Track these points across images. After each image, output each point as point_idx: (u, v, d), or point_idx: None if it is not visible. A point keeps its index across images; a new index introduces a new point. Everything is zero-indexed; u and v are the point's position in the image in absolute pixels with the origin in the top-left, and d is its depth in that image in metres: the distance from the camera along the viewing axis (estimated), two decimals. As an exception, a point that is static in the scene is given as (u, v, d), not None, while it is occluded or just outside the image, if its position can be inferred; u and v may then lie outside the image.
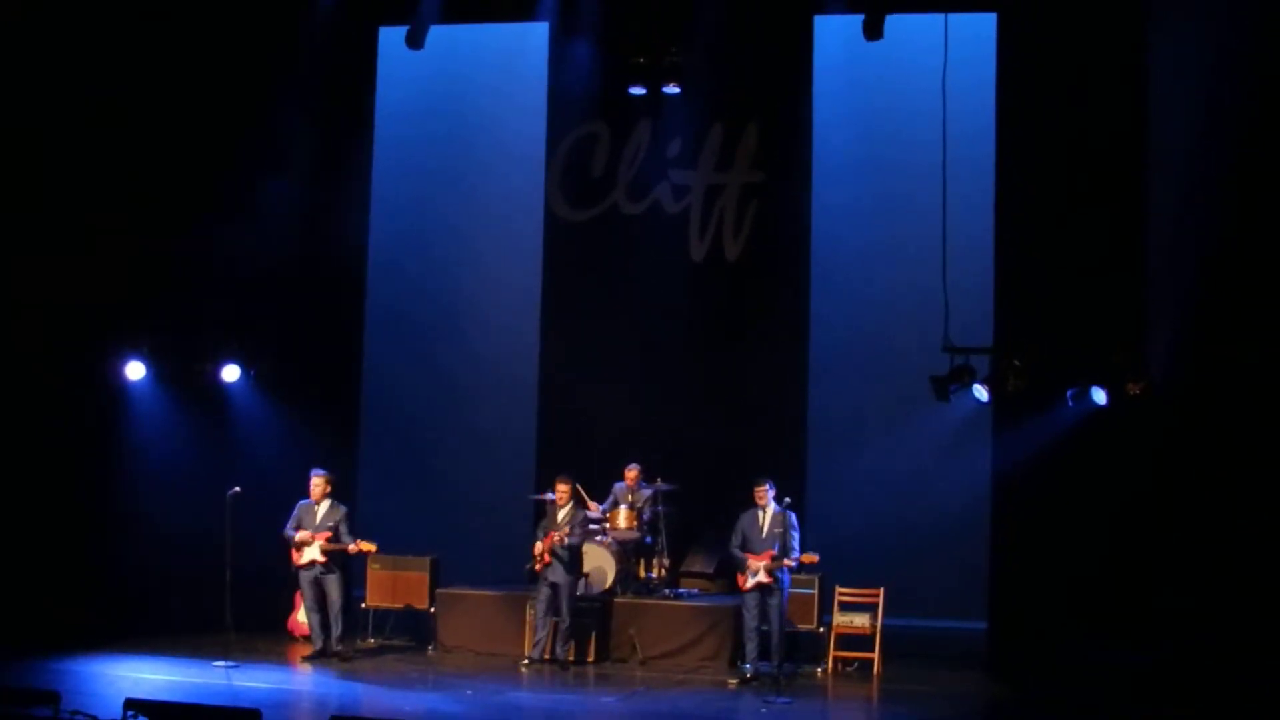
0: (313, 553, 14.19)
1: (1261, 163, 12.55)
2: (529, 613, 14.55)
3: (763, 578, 13.47)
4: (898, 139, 16.75)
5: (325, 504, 14.31)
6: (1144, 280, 14.23)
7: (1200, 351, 13.06)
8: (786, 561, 13.44)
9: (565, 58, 16.94)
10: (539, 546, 14.18)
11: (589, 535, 14.60)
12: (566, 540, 14.09)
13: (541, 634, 14.19)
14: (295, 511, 14.33)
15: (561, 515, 14.28)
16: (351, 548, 14.14)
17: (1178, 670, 12.78)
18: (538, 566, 14.20)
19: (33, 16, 14.49)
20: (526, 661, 14.22)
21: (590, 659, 14.36)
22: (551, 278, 17.05)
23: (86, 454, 15.07)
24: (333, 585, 14.26)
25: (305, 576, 14.30)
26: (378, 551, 14.50)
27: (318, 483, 14.33)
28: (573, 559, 14.26)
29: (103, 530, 15.10)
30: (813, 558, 13.47)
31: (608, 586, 14.70)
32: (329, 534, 14.18)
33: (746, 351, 16.39)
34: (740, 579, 13.70)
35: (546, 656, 14.19)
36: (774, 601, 13.46)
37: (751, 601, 13.62)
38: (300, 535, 14.21)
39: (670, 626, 14.55)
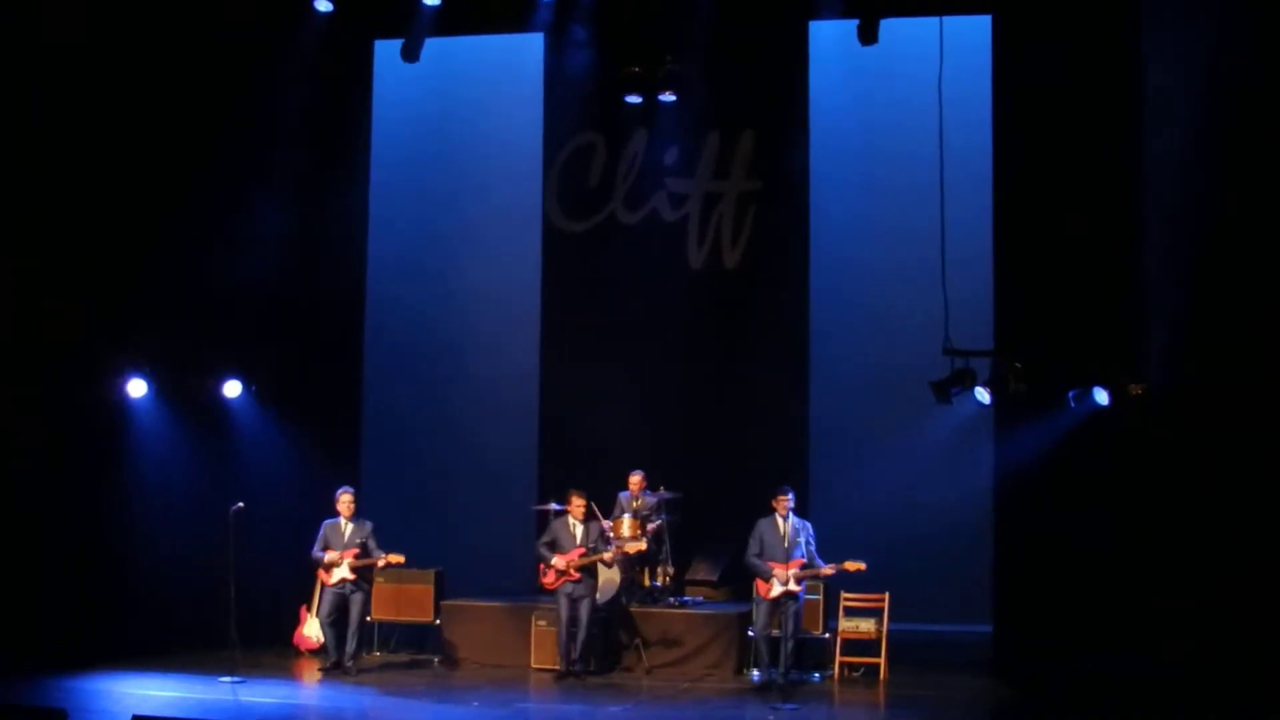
0: (342, 571, 14.21)
1: (1257, 166, 12.56)
2: (534, 624, 14.55)
3: (792, 586, 13.43)
4: (895, 143, 16.72)
5: (351, 522, 14.32)
6: (1142, 281, 14.24)
7: (1198, 353, 13.05)
8: (824, 570, 13.42)
9: (561, 68, 16.95)
10: (561, 561, 14.13)
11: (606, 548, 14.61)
12: (600, 552, 14.09)
13: (566, 645, 14.13)
14: (321, 532, 14.37)
15: (579, 531, 14.24)
16: (380, 561, 14.18)
17: (1182, 673, 12.76)
18: (557, 581, 14.14)
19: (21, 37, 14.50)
20: (559, 673, 14.13)
21: (595, 668, 14.34)
22: (550, 288, 17.06)
23: (90, 471, 15.04)
24: (357, 603, 14.27)
25: (332, 594, 14.30)
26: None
27: (346, 500, 14.36)
28: (592, 571, 14.26)
29: (107, 547, 15.09)
30: (859, 565, 13.44)
31: (613, 595, 14.68)
32: (357, 550, 14.21)
33: (747, 358, 16.40)
34: (763, 587, 13.57)
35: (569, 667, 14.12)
36: (794, 609, 13.44)
37: (767, 609, 13.56)
38: (329, 555, 14.24)
39: (675, 635, 14.53)
